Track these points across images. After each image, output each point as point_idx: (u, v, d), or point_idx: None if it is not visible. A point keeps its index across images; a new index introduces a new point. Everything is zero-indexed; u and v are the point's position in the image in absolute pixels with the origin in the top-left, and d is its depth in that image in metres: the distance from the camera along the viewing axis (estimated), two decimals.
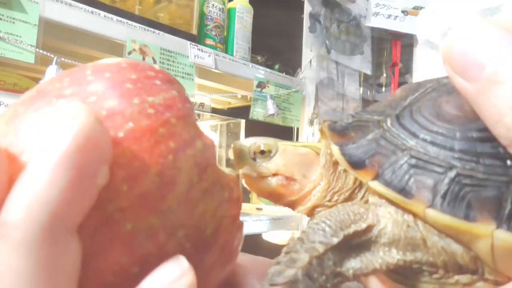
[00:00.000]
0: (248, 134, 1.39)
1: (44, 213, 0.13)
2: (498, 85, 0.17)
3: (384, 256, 0.22)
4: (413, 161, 0.21)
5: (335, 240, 0.21)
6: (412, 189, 0.21)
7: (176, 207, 0.17)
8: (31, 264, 0.13)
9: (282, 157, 0.27)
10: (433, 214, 0.20)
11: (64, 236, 0.14)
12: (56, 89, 0.17)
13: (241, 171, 0.28)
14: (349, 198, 0.26)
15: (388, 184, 0.21)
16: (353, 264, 0.21)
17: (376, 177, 0.22)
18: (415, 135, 0.22)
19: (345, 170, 0.26)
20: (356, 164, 0.23)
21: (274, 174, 0.27)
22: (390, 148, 0.22)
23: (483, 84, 0.18)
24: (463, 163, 0.20)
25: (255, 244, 1.33)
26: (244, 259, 0.24)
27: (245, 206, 1.34)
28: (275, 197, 0.27)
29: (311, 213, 0.26)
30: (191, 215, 0.17)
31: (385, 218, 0.22)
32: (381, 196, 0.23)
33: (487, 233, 0.19)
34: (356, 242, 0.22)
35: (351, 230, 0.21)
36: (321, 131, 0.27)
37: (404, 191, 0.21)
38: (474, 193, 0.20)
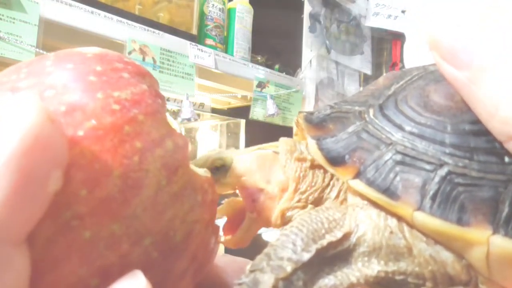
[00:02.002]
0: (248, 134, 1.39)
1: None
2: (491, 73, 0.15)
3: (363, 268, 0.19)
4: (399, 157, 0.19)
5: (306, 256, 0.18)
6: (398, 189, 0.18)
7: (141, 213, 0.15)
8: None
9: (238, 168, 0.24)
10: (422, 217, 0.18)
11: (7, 250, 0.12)
12: (12, 81, 0.16)
13: (223, 228, 0.25)
14: (319, 199, 0.23)
15: (370, 183, 0.19)
16: (326, 281, 0.18)
17: (357, 175, 0.19)
18: (400, 128, 0.20)
19: (311, 167, 0.23)
20: (335, 160, 0.20)
21: (236, 188, 0.24)
22: (372, 142, 0.20)
23: (475, 72, 0.16)
24: (455, 159, 0.18)
25: (254, 244, 1.33)
26: (223, 260, 0.23)
27: None
28: (265, 223, 0.24)
29: (282, 221, 0.23)
30: (159, 221, 0.16)
31: (365, 224, 0.20)
32: (362, 196, 0.20)
33: (483, 239, 0.17)
34: (331, 254, 0.19)
35: (324, 242, 0.19)
36: (297, 123, 0.25)
37: (388, 191, 0.18)
38: (468, 194, 0.18)
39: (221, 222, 0.23)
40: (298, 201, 0.23)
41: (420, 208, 0.18)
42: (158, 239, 0.16)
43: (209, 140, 1.49)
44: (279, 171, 0.24)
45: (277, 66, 1.42)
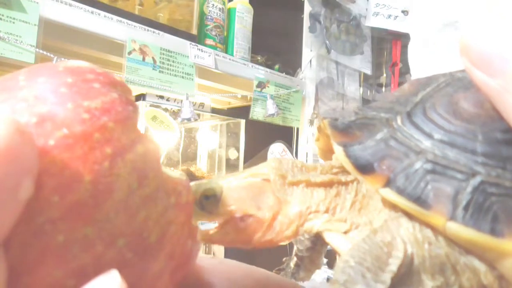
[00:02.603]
0: (248, 134, 1.39)
1: None
2: None
3: (418, 286, 0.18)
4: (429, 165, 0.19)
5: None
6: (429, 198, 0.18)
7: (114, 216, 0.16)
8: None
9: (229, 196, 0.24)
10: (455, 227, 0.17)
11: None
12: None
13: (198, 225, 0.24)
14: (333, 209, 0.22)
15: (401, 191, 0.19)
16: None
17: (388, 183, 0.19)
18: (430, 136, 0.20)
19: (307, 186, 0.23)
20: (364, 168, 0.20)
21: (229, 219, 0.24)
22: (402, 150, 0.20)
23: (508, 80, 0.15)
24: (487, 169, 0.18)
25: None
26: (210, 262, 0.23)
27: None
28: (243, 242, 0.24)
29: (298, 233, 0.23)
30: (132, 223, 0.16)
31: (406, 238, 0.19)
32: (393, 208, 0.20)
33: None
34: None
35: (393, 267, 0.18)
36: (320, 129, 0.25)
37: (420, 200, 0.18)
38: (501, 204, 0.17)
39: (209, 225, 0.23)
40: (309, 213, 0.22)
41: (452, 217, 0.18)
42: (132, 240, 0.16)
43: (209, 140, 1.49)
44: (269, 197, 0.24)
45: (277, 66, 1.42)
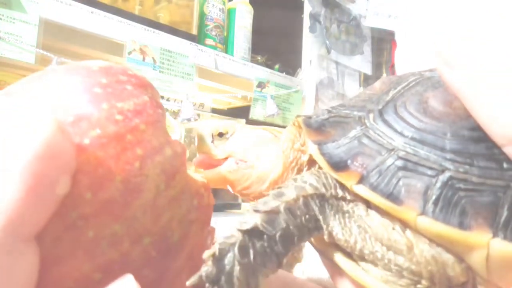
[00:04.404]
0: None
1: None
2: (490, 73, 0.15)
3: (365, 218, 0.21)
4: (401, 162, 0.19)
5: (323, 190, 0.21)
6: (401, 194, 0.19)
7: (141, 215, 0.16)
8: None
9: (237, 138, 0.26)
10: (425, 222, 0.18)
11: (19, 245, 0.13)
12: (25, 90, 0.17)
13: (193, 161, 0.27)
14: None
15: (374, 188, 0.19)
16: (333, 225, 0.21)
17: (361, 180, 0.20)
18: (401, 134, 0.20)
19: (308, 162, 0.24)
20: (337, 166, 0.21)
21: (228, 156, 0.26)
22: (374, 147, 0.20)
23: (472, 72, 0.15)
24: (456, 165, 0.19)
25: None
26: None
27: (244, 206, 1.34)
28: (230, 184, 0.26)
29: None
30: (157, 222, 0.17)
31: (374, 218, 0.21)
32: (363, 201, 0.21)
33: (483, 243, 0.17)
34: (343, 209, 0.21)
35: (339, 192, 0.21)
36: (292, 125, 0.26)
37: (392, 196, 0.19)
38: (469, 199, 0.18)
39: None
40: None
41: (423, 212, 0.18)
42: (157, 239, 0.17)
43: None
44: (273, 153, 0.25)
45: (277, 66, 1.42)
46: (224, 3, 1.19)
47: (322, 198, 0.21)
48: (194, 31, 1.11)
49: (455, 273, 0.19)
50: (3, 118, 0.15)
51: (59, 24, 0.79)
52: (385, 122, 0.21)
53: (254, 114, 1.22)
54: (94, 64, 0.18)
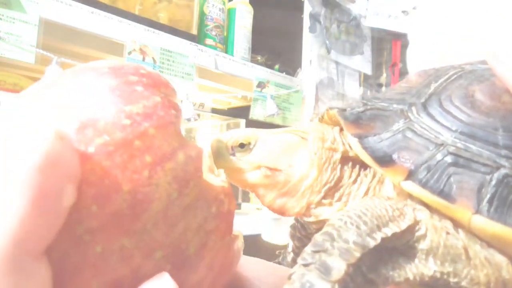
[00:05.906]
0: None
1: (5, 242, 0.12)
2: None
3: (420, 265, 0.18)
4: (451, 158, 0.18)
5: (371, 243, 0.17)
6: (453, 192, 0.18)
7: (152, 227, 0.15)
8: None
9: (263, 148, 0.23)
10: (480, 221, 0.17)
11: (29, 262, 0.13)
12: (32, 94, 0.16)
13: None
14: (346, 195, 0.22)
15: (423, 185, 0.18)
16: (384, 271, 0.18)
17: (409, 176, 0.18)
18: (449, 128, 0.19)
19: (341, 160, 0.23)
20: (382, 160, 0.19)
21: (257, 168, 0.23)
22: (420, 142, 0.19)
23: None
24: (511, 162, 0.18)
25: (254, 245, 1.33)
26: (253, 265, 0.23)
27: (244, 206, 1.34)
28: (261, 192, 0.24)
29: (307, 213, 0.23)
30: (170, 234, 0.16)
31: (424, 221, 0.19)
32: (412, 198, 0.19)
33: None
34: (391, 245, 0.18)
35: (389, 231, 0.18)
36: (323, 117, 0.24)
37: (443, 194, 0.18)
38: None
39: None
40: (325, 197, 0.22)
41: (478, 211, 0.17)
42: (170, 252, 0.16)
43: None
44: (304, 157, 0.23)
45: (277, 66, 1.42)
46: (224, 3, 1.19)
47: (369, 254, 0.17)
48: (194, 31, 1.11)
49: (510, 275, 0.18)
50: (1, 129, 0.14)
51: (59, 24, 0.79)
52: (430, 115, 0.20)
53: (254, 114, 1.21)
54: (102, 65, 0.17)
